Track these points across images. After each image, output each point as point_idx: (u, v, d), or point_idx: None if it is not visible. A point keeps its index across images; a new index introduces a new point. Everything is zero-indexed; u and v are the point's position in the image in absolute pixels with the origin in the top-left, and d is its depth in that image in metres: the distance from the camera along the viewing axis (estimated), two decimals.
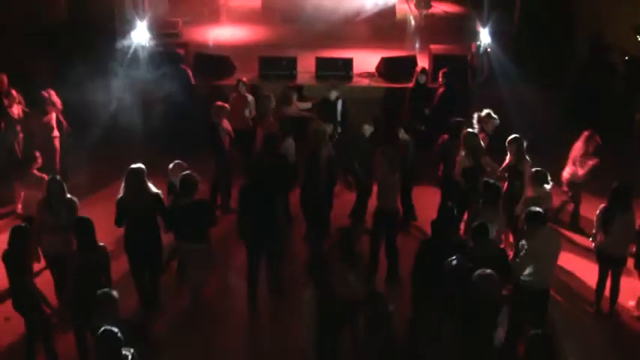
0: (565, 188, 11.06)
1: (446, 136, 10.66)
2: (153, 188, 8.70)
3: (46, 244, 8.68)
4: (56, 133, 11.88)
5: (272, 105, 11.74)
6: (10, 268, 7.80)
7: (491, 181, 9.21)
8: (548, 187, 9.57)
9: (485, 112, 10.78)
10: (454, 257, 7.58)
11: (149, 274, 8.98)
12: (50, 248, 8.62)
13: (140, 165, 8.65)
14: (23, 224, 8.14)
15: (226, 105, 11.43)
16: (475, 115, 10.86)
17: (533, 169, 9.64)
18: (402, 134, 10.83)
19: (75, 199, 8.78)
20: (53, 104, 11.83)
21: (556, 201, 10.67)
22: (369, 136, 10.87)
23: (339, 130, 12.21)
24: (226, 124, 11.22)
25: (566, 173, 10.97)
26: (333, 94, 12.30)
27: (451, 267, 7.54)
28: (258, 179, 9.08)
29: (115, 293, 6.84)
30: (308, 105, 13.01)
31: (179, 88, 12.82)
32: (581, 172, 10.78)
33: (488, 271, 6.97)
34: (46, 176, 9.88)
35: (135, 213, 8.61)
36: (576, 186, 10.98)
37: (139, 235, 8.69)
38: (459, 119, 10.78)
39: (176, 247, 9.18)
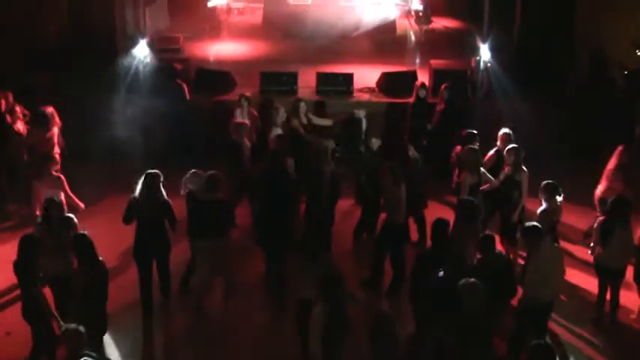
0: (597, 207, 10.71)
1: (459, 148, 10.68)
2: (165, 196, 9.01)
3: (47, 265, 8.54)
4: (57, 149, 11.91)
5: (280, 117, 11.77)
6: (19, 278, 7.82)
7: (471, 198, 9.32)
8: (559, 199, 9.49)
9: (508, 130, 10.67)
10: (441, 269, 7.62)
11: (159, 265, 9.19)
12: (51, 269, 8.49)
13: (157, 170, 8.99)
14: (31, 233, 8.18)
15: (246, 122, 11.49)
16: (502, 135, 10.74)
17: (544, 182, 9.47)
18: (412, 152, 10.86)
19: (72, 216, 8.81)
20: (54, 120, 11.88)
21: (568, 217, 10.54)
22: (377, 150, 10.91)
23: (363, 148, 12.23)
24: (246, 140, 11.22)
25: (599, 191, 10.65)
26: (361, 113, 12.50)
27: (438, 278, 7.57)
28: (267, 192, 9.51)
29: (81, 328, 6.49)
30: (329, 122, 12.90)
31: (173, 103, 12.86)
32: (610, 187, 10.51)
33: (472, 280, 7.01)
34: (63, 177, 9.96)
35: (144, 214, 8.89)
36: (605, 202, 10.38)
37: (146, 235, 8.97)
38: (472, 131, 10.77)
39: (191, 244, 9.36)
